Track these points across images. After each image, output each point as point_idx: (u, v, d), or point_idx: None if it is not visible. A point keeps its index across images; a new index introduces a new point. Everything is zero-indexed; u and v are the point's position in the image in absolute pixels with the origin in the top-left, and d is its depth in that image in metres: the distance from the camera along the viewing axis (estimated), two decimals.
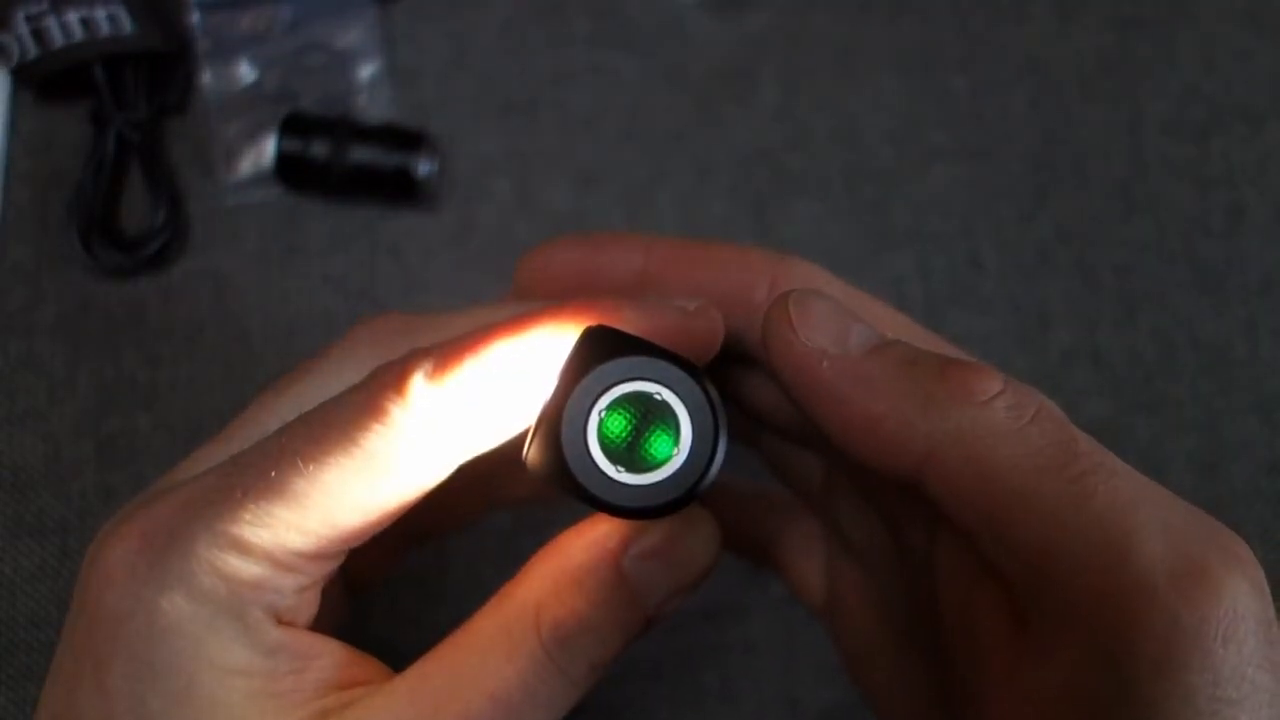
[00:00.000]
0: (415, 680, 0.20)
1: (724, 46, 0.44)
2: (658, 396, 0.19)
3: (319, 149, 0.40)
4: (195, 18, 0.42)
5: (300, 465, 0.19)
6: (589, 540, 0.21)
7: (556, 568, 0.21)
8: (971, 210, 0.42)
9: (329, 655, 0.20)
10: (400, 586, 0.38)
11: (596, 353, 0.19)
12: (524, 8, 0.44)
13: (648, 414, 0.19)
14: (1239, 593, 0.17)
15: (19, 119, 0.42)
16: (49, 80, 0.40)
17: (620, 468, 0.19)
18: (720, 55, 0.44)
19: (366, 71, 0.42)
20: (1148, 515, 0.17)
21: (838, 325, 0.20)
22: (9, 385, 0.39)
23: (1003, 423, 0.19)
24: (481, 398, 0.20)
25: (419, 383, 0.19)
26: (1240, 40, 0.44)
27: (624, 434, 0.19)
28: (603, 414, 0.19)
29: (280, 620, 0.20)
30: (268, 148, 0.41)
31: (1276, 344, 0.41)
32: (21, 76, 0.40)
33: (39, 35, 0.39)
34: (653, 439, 0.19)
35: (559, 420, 0.19)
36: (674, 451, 0.19)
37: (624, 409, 0.19)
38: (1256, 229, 0.42)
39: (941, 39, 0.44)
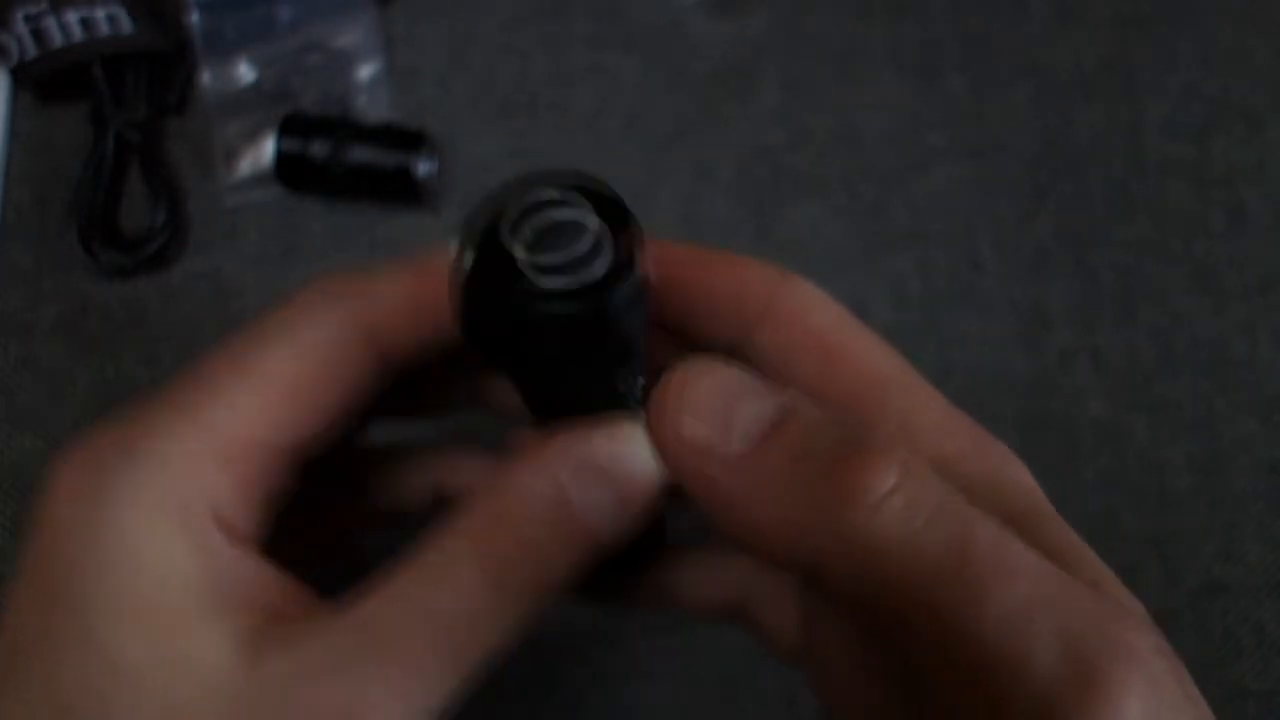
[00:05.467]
0: (354, 611, 0.20)
1: (724, 47, 0.44)
2: (565, 202, 0.19)
3: (318, 149, 0.40)
4: (195, 18, 0.42)
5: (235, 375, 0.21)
6: (524, 463, 0.20)
7: (494, 492, 0.20)
8: (971, 210, 0.42)
9: (273, 581, 0.20)
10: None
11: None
12: (524, 8, 0.44)
13: (558, 208, 0.20)
14: (1136, 696, 0.16)
15: (19, 119, 0.42)
16: (48, 80, 0.40)
17: (535, 255, 0.19)
18: (720, 55, 0.44)
19: (366, 71, 0.42)
20: (1044, 624, 0.17)
21: (723, 409, 0.19)
22: (9, 385, 0.39)
23: (893, 529, 0.17)
24: None
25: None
26: (1240, 40, 0.44)
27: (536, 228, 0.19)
28: (514, 222, 0.19)
29: (229, 535, 0.20)
30: (267, 148, 0.41)
31: (1276, 344, 0.41)
32: (21, 76, 0.40)
33: (38, 35, 0.39)
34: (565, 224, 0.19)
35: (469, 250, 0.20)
36: (589, 230, 0.19)
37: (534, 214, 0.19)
38: (1256, 229, 0.42)
39: (941, 39, 0.44)
